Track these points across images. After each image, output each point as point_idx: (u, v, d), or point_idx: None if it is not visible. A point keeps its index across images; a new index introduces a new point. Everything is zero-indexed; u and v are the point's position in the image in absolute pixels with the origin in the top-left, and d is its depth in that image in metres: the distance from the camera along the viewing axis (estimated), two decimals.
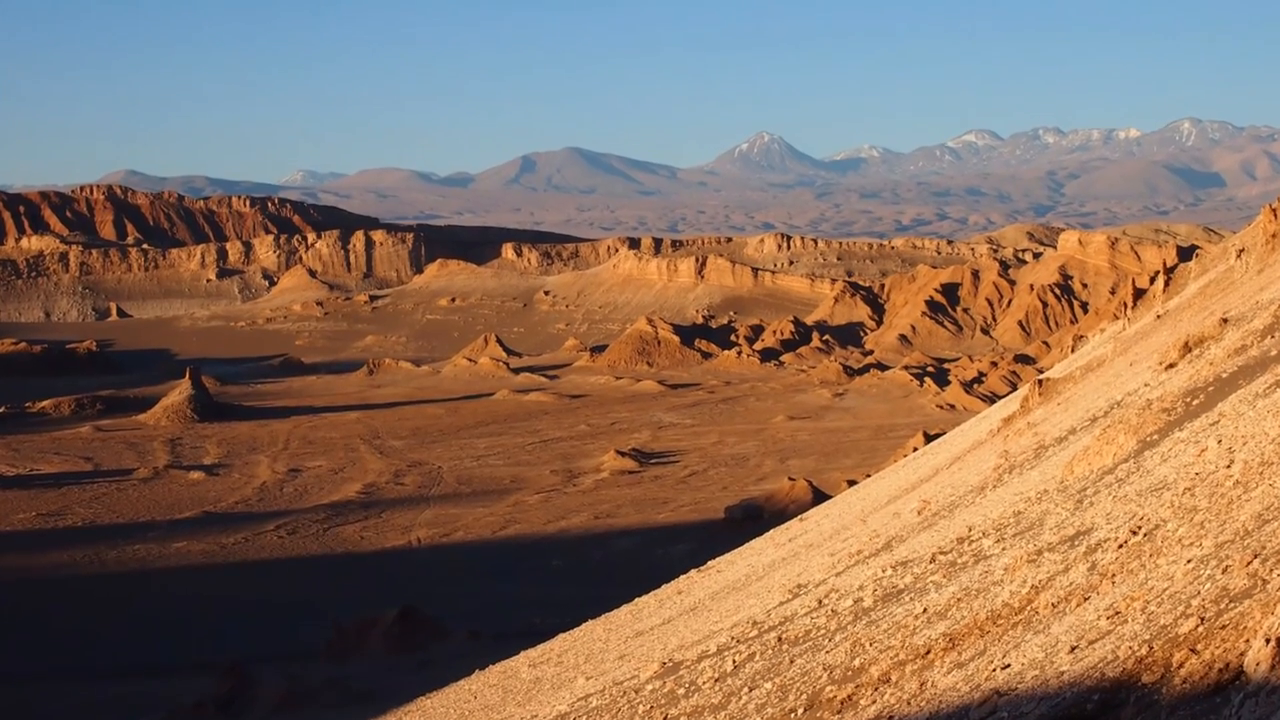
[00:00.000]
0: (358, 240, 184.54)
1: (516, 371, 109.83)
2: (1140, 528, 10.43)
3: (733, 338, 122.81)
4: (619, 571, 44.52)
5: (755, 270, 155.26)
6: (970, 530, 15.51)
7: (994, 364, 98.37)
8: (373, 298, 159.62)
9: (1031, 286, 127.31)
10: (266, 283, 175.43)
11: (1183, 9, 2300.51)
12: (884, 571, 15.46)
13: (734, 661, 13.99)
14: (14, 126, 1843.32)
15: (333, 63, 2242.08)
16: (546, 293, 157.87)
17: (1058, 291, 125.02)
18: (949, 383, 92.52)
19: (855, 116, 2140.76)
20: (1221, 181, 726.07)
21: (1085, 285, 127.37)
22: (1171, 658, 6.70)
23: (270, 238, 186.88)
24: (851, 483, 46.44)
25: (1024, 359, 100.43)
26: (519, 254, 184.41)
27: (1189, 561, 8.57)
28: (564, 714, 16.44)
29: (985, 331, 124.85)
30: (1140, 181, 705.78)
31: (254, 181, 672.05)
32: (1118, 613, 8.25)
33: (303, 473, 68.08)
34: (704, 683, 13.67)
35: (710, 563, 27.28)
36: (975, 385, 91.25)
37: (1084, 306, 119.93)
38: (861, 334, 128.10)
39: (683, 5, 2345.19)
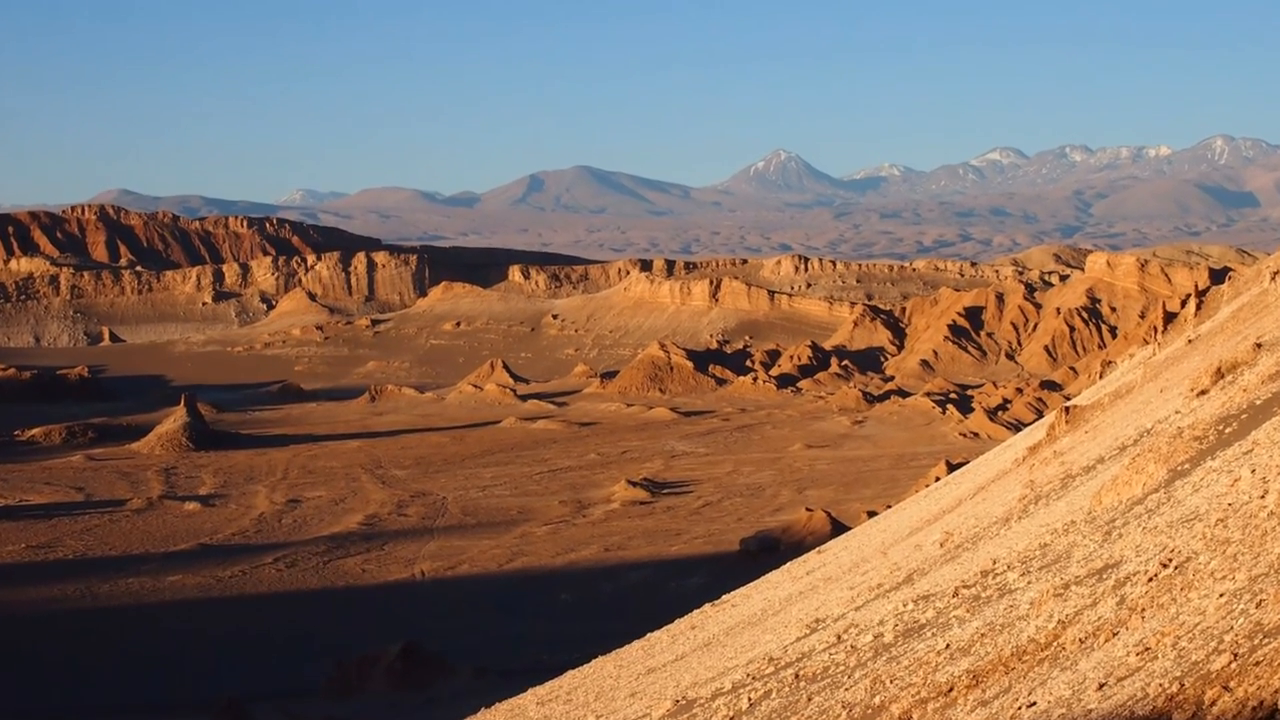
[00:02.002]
0: (359, 262, 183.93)
1: (524, 398, 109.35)
2: (1171, 560, 10.26)
3: (748, 363, 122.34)
4: (630, 606, 44.07)
5: (771, 293, 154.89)
6: (995, 563, 15.33)
7: (1019, 390, 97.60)
8: (375, 322, 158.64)
9: (1058, 310, 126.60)
10: (264, 306, 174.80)
11: (1215, 23, 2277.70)
12: (905, 606, 15.29)
13: (749, 699, 13.78)
14: (2, 144, 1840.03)
15: (333, 78, 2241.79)
16: (555, 316, 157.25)
17: (1085, 315, 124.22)
18: (972, 410, 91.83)
19: (875, 134, 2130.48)
20: (1255, 201, 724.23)
21: (1114, 309, 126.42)
22: (1204, 695, 6.71)
23: (268, 259, 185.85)
24: (871, 513, 45.96)
25: (1050, 385, 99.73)
26: (526, 276, 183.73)
27: (1221, 595, 8.51)
28: None
29: (1010, 357, 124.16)
30: (1171, 201, 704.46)
31: (251, 201, 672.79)
32: (1148, 649, 8.20)
33: (302, 503, 67.41)
34: None
35: (725, 597, 27.04)
36: (1000, 412, 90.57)
37: (1112, 331, 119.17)
38: (882, 359, 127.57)
39: (696, 18, 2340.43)
